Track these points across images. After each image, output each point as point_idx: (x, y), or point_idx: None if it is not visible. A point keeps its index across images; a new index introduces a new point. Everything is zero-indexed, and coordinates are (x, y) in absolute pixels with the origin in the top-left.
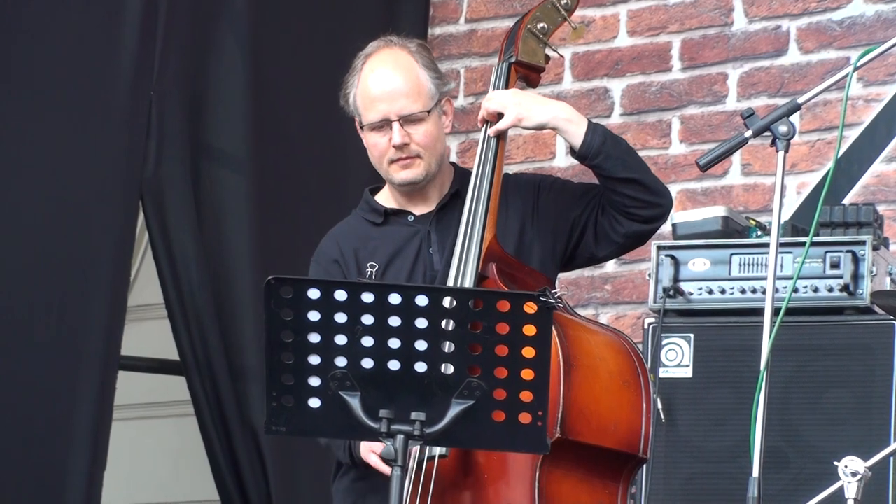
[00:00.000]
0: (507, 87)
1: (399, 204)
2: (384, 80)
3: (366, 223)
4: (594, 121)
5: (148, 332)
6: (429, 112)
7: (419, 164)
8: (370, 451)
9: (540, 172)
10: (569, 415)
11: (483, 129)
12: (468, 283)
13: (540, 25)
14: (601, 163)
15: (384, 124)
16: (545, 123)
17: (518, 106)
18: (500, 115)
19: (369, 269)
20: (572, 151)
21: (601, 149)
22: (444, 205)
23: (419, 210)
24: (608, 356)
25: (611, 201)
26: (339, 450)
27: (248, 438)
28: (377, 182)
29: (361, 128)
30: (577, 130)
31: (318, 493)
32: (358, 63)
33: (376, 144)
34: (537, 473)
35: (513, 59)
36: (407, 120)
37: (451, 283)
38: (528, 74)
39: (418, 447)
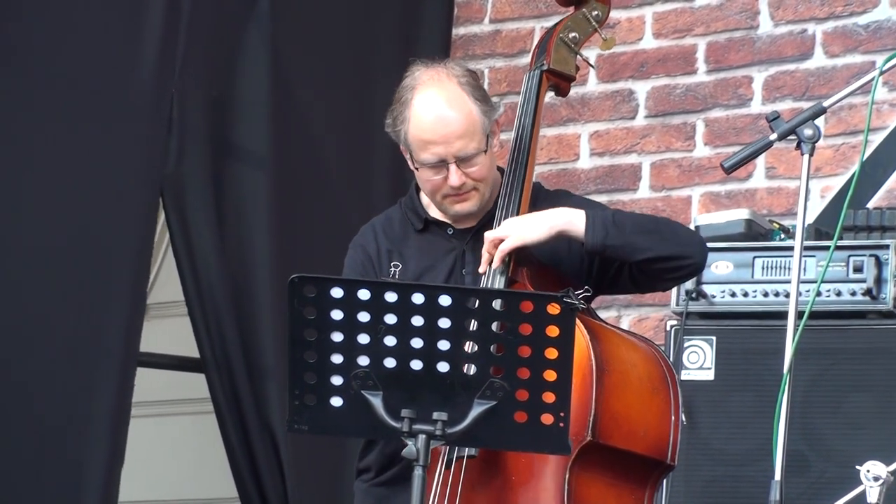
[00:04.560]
0: (538, 94)
1: (442, 213)
2: (439, 123)
3: (406, 224)
4: (603, 206)
5: (169, 329)
6: (485, 150)
7: (474, 196)
8: None
9: (565, 173)
10: (600, 419)
11: (519, 132)
12: (498, 285)
13: (571, 35)
14: (611, 255)
15: (440, 165)
16: (548, 235)
17: (517, 228)
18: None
19: (393, 269)
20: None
21: (605, 242)
22: (483, 224)
23: (461, 224)
24: (639, 362)
25: (641, 271)
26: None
27: (265, 437)
28: (391, 181)
29: (412, 162)
30: (578, 228)
31: (335, 492)
32: (406, 96)
33: (430, 181)
34: (567, 476)
35: (545, 67)
36: (463, 160)
37: (482, 283)
38: (558, 83)
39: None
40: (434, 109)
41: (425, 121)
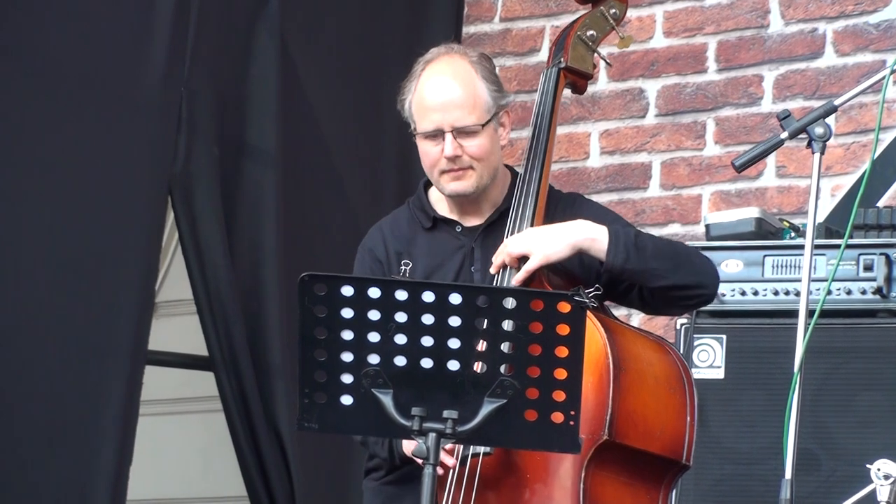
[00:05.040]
0: (555, 92)
1: (450, 210)
2: (440, 90)
3: (415, 223)
4: (621, 228)
5: (179, 327)
6: (483, 125)
7: (471, 175)
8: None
9: (576, 172)
10: (617, 418)
11: (536, 128)
12: (510, 284)
13: (589, 33)
14: (629, 278)
15: (437, 134)
16: (570, 252)
17: (541, 245)
18: (523, 258)
19: (403, 267)
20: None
21: (625, 266)
22: (492, 221)
23: (469, 221)
24: (655, 361)
25: (654, 296)
26: (377, 446)
27: (271, 435)
28: (408, 181)
29: (414, 135)
30: (600, 247)
31: (341, 491)
32: (417, 69)
33: (428, 153)
34: (583, 474)
35: (562, 65)
36: (461, 132)
37: (497, 281)
38: (575, 80)
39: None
40: (438, 78)
41: (428, 88)
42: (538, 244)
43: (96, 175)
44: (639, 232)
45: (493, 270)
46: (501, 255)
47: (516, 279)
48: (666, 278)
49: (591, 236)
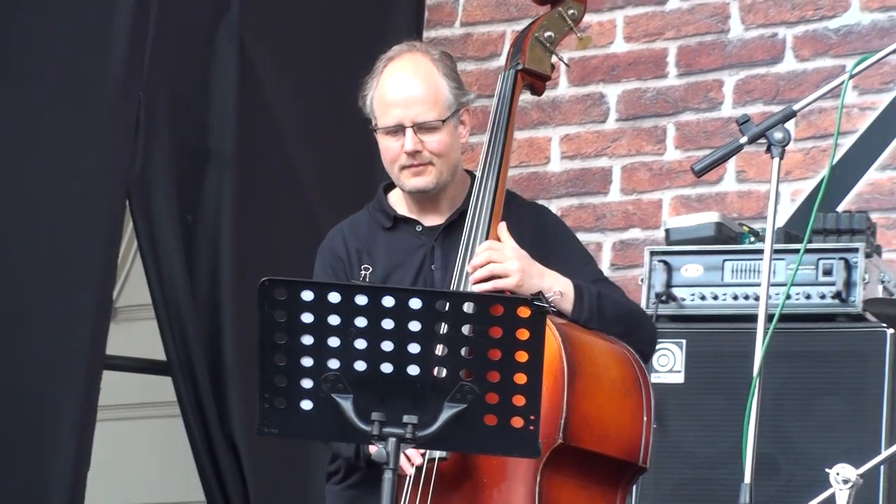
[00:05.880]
0: (513, 94)
1: (410, 210)
2: (402, 85)
3: (374, 224)
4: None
5: (140, 331)
6: (444, 121)
7: (430, 171)
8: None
9: (536, 176)
10: (571, 421)
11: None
12: (469, 288)
13: (547, 34)
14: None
15: (398, 129)
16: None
17: (522, 274)
18: (494, 275)
19: (363, 272)
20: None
21: (586, 325)
22: (452, 221)
23: (429, 221)
24: (611, 364)
25: None
26: (342, 445)
27: (227, 440)
28: (363, 184)
29: (375, 130)
30: (565, 306)
31: (299, 496)
32: (379, 65)
33: (388, 149)
34: (538, 478)
35: (520, 67)
36: (421, 127)
37: (454, 283)
38: (533, 82)
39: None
40: (400, 75)
41: (389, 84)
42: (518, 272)
43: (53, 178)
44: (600, 292)
45: (470, 270)
46: (485, 263)
47: (480, 289)
48: (619, 328)
49: (563, 290)
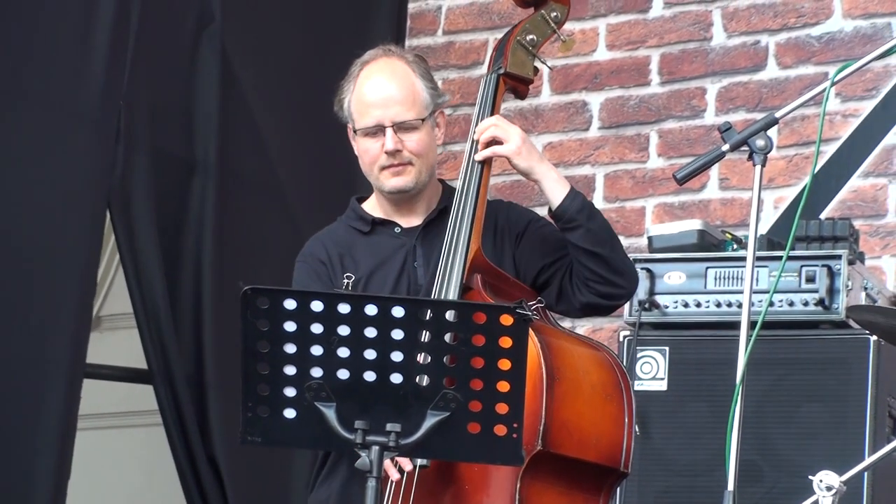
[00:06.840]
0: (495, 98)
1: (386, 214)
2: (380, 87)
3: (352, 231)
4: (574, 185)
5: (123, 340)
6: (423, 121)
7: (410, 171)
8: None
9: (519, 184)
10: (551, 427)
11: (470, 146)
12: (452, 292)
13: (529, 38)
14: (572, 229)
15: (377, 130)
16: (533, 170)
17: (522, 142)
18: (496, 141)
19: (346, 280)
20: (549, 210)
21: (575, 216)
22: (431, 220)
23: (406, 222)
24: (591, 369)
25: (575, 269)
26: None
27: (206, 449)
28: (346, 193)
29: (354, 133)
30: (558, 191)
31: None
32: (354, 70)
33: (368, 150)
34: (518, 485)
35: (501, 71)
36: (400, 127)
37: (435, 292)
38: (516, 86)
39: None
40: (378, 77)
41: (367, 86)
42: (521, 139)
43: (34, 187)
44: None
45: (476, 136)
46: (489, 127)
47: (482, 155)
48: (601, 247)
49: (558, 179)
